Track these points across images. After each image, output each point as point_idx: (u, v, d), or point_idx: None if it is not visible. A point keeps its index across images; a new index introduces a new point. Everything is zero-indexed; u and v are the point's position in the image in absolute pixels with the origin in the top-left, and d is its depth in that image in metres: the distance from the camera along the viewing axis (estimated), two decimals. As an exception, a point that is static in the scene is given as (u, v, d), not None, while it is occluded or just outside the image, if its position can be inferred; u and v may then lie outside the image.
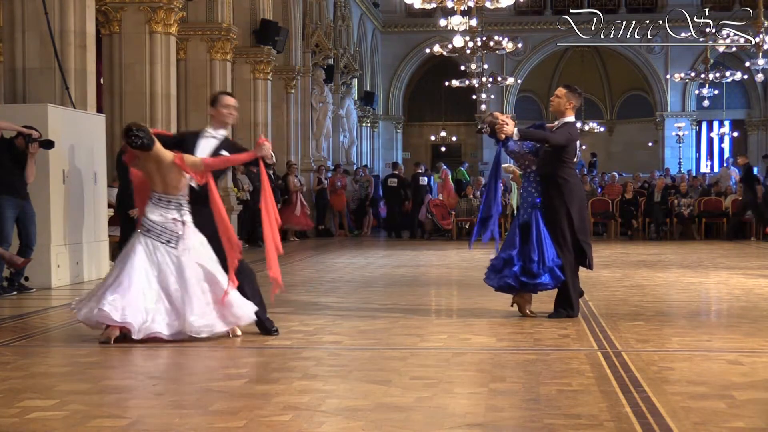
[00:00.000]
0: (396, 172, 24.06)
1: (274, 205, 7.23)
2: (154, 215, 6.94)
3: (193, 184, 7.05)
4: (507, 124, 7.84)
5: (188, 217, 7.03)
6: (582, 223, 8.08)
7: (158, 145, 6.92)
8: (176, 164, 6.93)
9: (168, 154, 6.95)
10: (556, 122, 8.19)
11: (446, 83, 30.37)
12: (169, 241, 6.89)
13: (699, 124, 37.63)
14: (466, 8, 18.88)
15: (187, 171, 6.96)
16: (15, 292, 9.98)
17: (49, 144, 10.15)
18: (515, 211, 8.63)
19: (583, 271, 8.35)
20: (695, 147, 37.94)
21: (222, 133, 7.28)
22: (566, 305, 8.02)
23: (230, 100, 7.35)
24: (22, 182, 10.03)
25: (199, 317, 6.76)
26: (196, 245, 6.97)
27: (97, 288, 6.95)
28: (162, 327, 6.71)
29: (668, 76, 34.03)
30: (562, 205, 7.95)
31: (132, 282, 6.73)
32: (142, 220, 7.02)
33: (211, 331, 6.82)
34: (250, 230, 18.97)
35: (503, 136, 7.83)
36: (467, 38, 22.25)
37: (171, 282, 6.82)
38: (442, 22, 20.71)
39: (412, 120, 39.73)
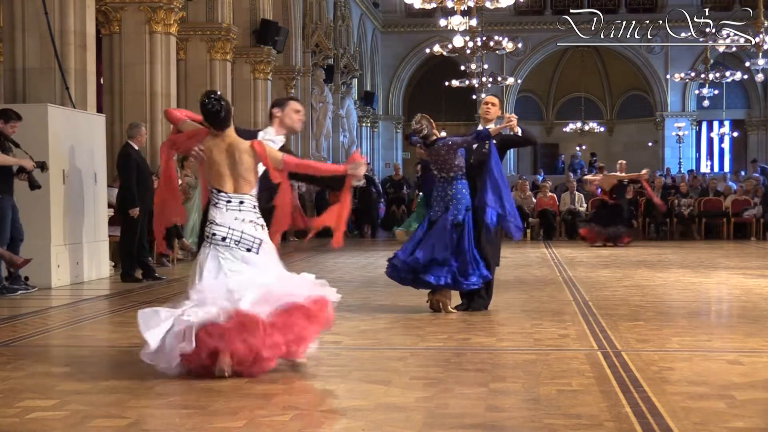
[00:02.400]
0: (366, 173, 24.21)
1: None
2: (226, 219, 5.75)
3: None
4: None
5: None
6: None
7: (233, 126, 5.92)
8: (255, 151, 5.79)
9: (241, 139, 5.88)
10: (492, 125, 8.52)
11: (446, 83, 30.37)
12: (249, 249, 5.74)
13: (699, 124, 37.65)
14: (466, 8, 18.90)
15: (265, 163, 5.80)
16: (20, 291, 9.97)
17: (42, 167, 10.09)
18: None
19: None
20: (695, 147, 37.94)
21: (281, 139, 6.51)
22: (486, 295, 8.43)
23: (300, 106, 6.61)
24: (13, 178, 10.03)
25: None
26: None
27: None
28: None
29: (668, 76, 34.06)
30: None
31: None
32: (209, 229, 5.80)
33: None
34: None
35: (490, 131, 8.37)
36: (467, 38, 22.26)
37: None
38: (442, 22, 20.73)
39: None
